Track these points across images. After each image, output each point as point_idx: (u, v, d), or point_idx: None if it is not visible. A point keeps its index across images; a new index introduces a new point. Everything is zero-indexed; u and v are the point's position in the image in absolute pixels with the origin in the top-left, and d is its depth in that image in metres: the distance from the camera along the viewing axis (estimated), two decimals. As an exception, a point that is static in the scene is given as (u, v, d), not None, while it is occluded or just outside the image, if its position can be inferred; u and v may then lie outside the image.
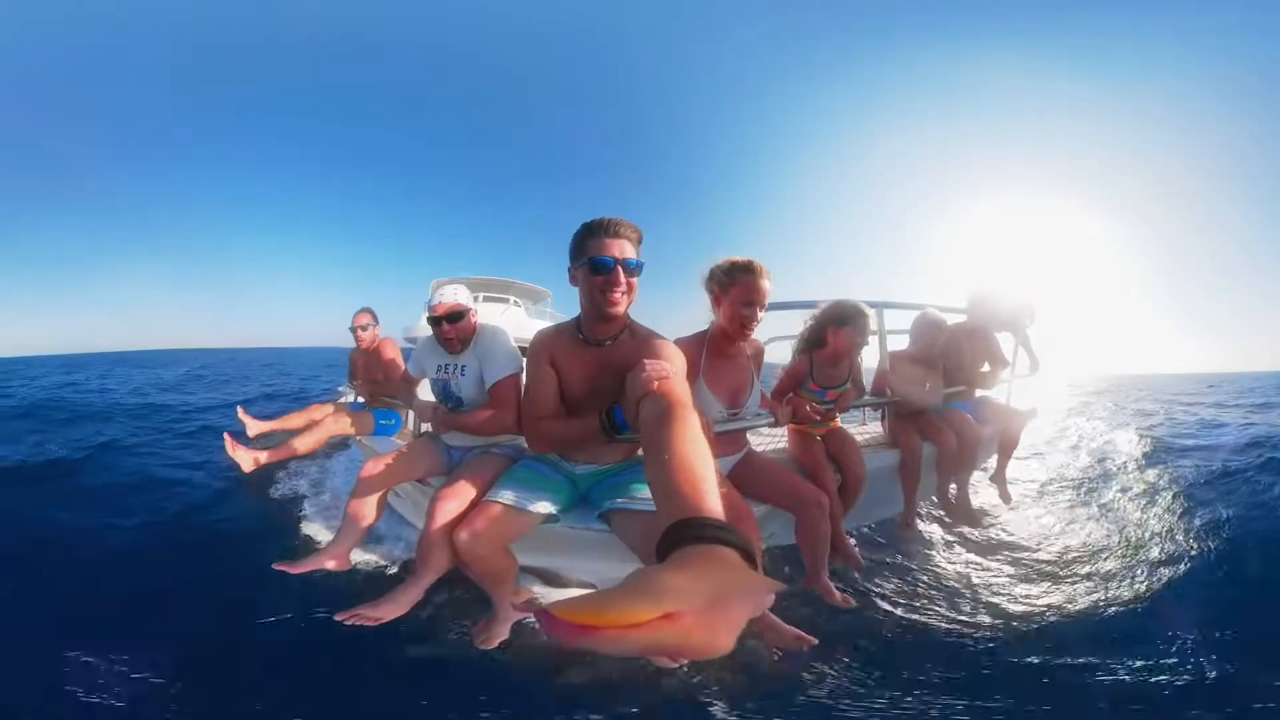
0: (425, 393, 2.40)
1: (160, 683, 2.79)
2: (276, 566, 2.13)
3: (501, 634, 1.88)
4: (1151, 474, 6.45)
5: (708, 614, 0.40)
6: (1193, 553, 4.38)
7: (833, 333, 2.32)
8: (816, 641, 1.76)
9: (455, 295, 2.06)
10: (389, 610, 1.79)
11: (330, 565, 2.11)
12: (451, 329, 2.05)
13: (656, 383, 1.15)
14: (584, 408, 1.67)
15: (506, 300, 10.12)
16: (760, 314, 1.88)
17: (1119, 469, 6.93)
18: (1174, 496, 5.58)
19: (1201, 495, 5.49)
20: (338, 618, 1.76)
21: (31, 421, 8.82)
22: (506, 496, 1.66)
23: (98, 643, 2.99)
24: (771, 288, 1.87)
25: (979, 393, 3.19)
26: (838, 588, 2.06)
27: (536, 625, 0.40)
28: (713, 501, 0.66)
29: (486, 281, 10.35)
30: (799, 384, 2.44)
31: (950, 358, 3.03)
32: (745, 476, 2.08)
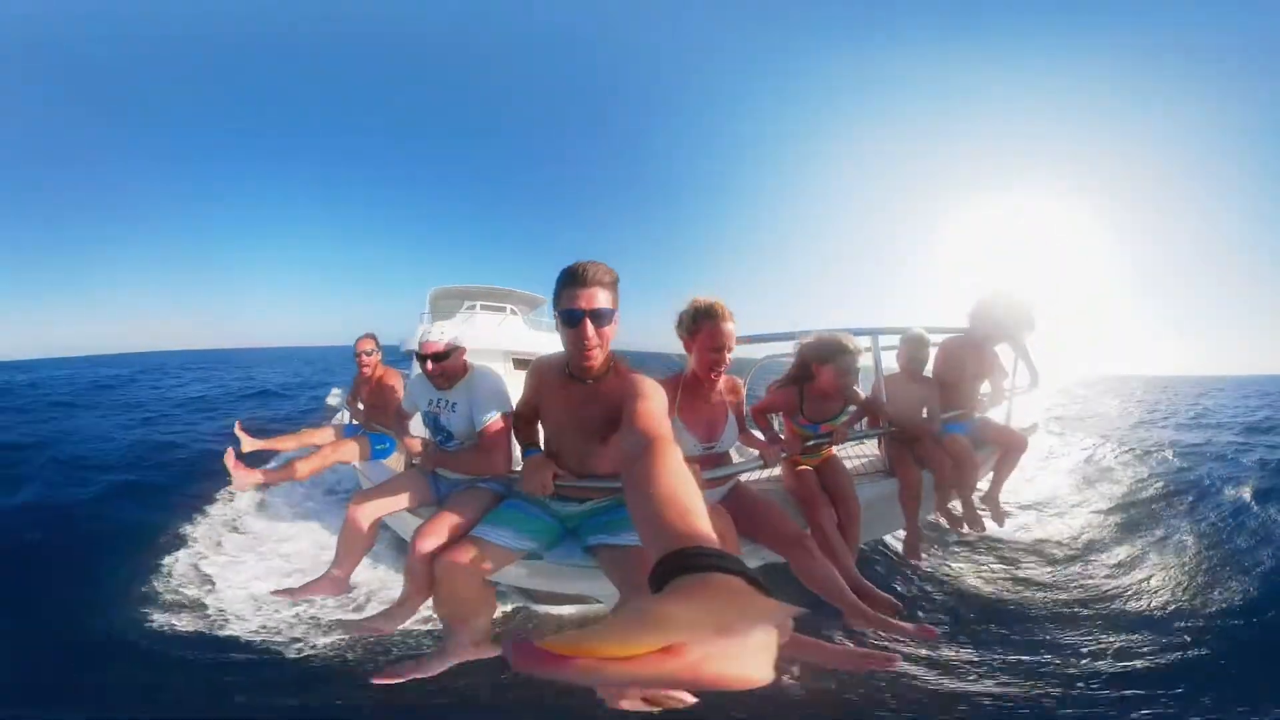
0: (418, 424, 2.43)
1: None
2: (273, 593, 2.18)
3: (435, 669, 1.78)
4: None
5: (717, 644, 0.37)
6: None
7: (818, 370, 2.35)
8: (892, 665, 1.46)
9: (442, 334, 2.07)
10: (384, 624, 1.89)
11: (327, 592, 2.14)
12: (436, 368, 2.07)
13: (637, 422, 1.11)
14: (560, 437, 1.79)
15: (504, 309, 10.09)
16: (728, 357, 1.95)
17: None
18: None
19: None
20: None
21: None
22: (489, 534, 1.69)
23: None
24: (735, 328, 1.94)
25: (978, 413, 3.11)
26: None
27: (505, 658, 0.36)
28: (705, 528, 0.61)
29: (485, 290, 10.31)
30: (788, 413, 2.44)
31: (950, 374, 2.99)
32: (732, 512, 2.05)
